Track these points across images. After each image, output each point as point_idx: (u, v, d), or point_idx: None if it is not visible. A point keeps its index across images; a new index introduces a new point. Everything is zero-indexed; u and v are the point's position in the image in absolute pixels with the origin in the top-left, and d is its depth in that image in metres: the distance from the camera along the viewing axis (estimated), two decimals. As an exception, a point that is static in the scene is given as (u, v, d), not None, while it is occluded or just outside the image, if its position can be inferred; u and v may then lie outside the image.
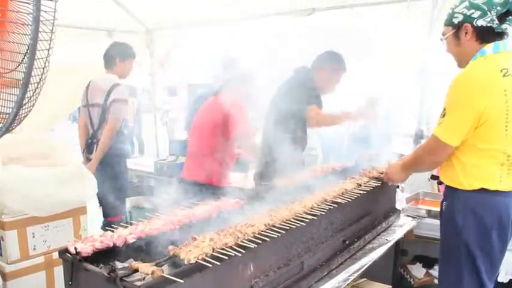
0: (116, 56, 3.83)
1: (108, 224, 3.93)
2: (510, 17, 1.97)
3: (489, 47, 1.98)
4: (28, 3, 1.04)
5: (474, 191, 2.02)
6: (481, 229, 2.02)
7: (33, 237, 2.87)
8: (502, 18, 1.96)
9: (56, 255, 2.92)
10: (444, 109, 2.01)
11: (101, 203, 4.11)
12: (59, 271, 2.95)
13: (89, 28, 4.78)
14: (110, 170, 3.85)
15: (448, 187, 2.17)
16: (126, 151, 4.17)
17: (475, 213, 2.02)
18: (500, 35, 2.00)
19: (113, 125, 3.76)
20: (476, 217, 2.02)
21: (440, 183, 2.29)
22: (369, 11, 3.91)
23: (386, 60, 3.58)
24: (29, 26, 1.07)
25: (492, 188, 1.99)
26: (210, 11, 4.56)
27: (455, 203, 2.09)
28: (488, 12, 1.95)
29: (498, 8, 1.94)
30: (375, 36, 3.63)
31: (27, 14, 1.07)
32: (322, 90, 3.14)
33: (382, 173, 2.61)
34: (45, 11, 1.05)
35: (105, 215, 4.14)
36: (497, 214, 2.01)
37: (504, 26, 1.98)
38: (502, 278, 2.69)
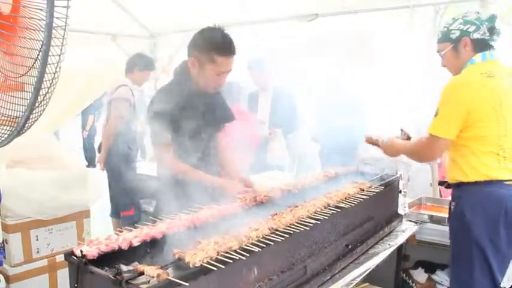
0: (136, 65, 4.22)
1: (124, 218, 4.12)
2: (496, 30, 2.28)
3: (478, 57, 2.28)
4: (41, 9, 1.06)
5: (479, 183, 2.20)
6: (489, 221, 2.17)
7: (37, 240, 2.89)
8: (491, 31, 2.28)
9: (59, 258, 2.94)
10: (437, 109, 2.25)
11: (112, 200, 4.31)
12: (62, 274, 2.99)
13: (93, 32, 4.81)
14: (119, 166, 4.09)
15: (455, 187, 2.35)
16: (134, 148, 4.36)
17: (482, 206, 2.18)
18: (490, 46, 2.30)
19: (112, 122, 4.03)
20: (483, 210, 2.18)
21: (448, 187, 2.44)
22: (372, 17, 3.93)
23: (389, 65, 3.60)
24: (40, 32, 1.09)
25: (493, 175, 2.18)
26: (214, 16, 4.58)
27: (463, 199, 2.26)
28: (481, 26, 2.27)
29: (486, 22, 2.27)
30: (377, 42, 3.65)
31: (39, 20, 1.09)
32: (204, 88, 2.28)
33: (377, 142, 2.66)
34: (58, 18, 1.07)
35: (118, 210, 4.33)
36: (504, 205, 2.16)
37: (494, 37, 2.29)
38: (505, 283, 2.68)
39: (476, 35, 2.27)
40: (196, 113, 2.22)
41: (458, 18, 2.32)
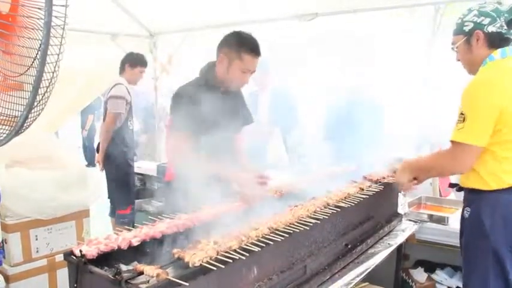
0: (126, 63, 4.27)
1: (118, 216, 4.14)
2: None
3: (497, 54, 2.07)
4: (39, 8, 1.06)
5: (500, 191, 2.04)
6: (509, 229, 2.03)
7: (36, 239, 2.89)
8: (510, 24, 2.06)
9: (58, 258, 2.94)
10: (462, 114, 2.02)
11: (111, 200, 4.33)
12: (61, 274, 2.99)
13: (93, 32, 4.81)
14: (116, 165, 4.12)
15: (471, 192, 2.17)
16: (131, 147, 4.38)
17: (503, 214, 2.04)
18: (507, 41, 2.09)
19: (109, 120, 4.12)
20: (504, 218, 2.03)
21: (460, 190, 2.29)
22: (372, 16, 3.93)
23: (389, 65, 3.60)
24: (39, 31, 1.09)
25: None
26: (213, 16, 4.59)
27: (482, 206, 2.09)
28: (498, 19, 2.05)
29: (506, 14, 2.05)
30: (377, 41, 3.64)
31: (38, 19, 1.09)
32: (227, 86, 2.42)
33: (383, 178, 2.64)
34: (56, 16, 1.07)
35: (115, 209, 4.36)
36: None
37: None
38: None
39: (491, 28, 2.05)
40: (220, 112, 2.25)
41: (474, 9, 2.11)
